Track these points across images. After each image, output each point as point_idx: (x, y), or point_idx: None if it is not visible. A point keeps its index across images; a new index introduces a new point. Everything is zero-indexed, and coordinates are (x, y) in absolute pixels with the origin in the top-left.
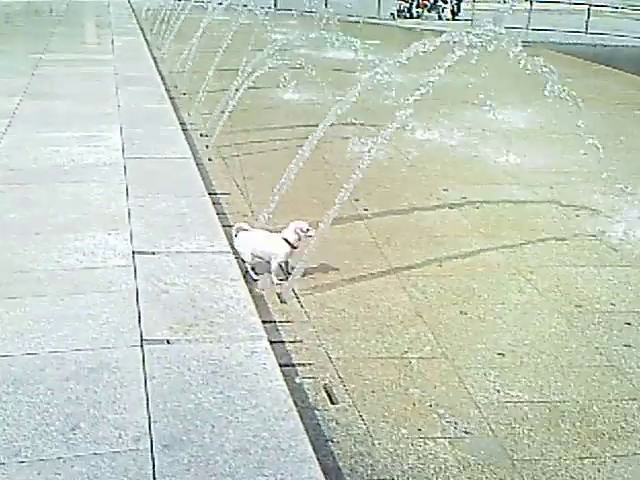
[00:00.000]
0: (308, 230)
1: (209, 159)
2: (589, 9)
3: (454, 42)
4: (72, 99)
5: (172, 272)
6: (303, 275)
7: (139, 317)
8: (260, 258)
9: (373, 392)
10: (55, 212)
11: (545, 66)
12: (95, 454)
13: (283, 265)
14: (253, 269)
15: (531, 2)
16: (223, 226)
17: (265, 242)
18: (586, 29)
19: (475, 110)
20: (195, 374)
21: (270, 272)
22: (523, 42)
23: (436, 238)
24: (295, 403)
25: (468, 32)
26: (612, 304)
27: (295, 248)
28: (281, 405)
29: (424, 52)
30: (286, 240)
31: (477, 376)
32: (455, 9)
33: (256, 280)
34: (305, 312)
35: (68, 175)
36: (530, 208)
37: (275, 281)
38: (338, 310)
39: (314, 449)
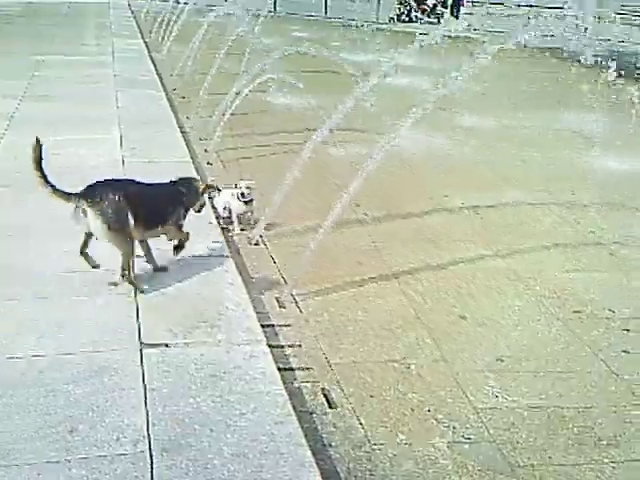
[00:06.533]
0: (249, 188)
1: (208, 163)
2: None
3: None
4: (71, 101)
5: (171, 276)
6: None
7: (138, 320)
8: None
9: (372, 396)
10: (54, 215)
11: (545, 70)
12: (94, 457)
13: (241, 216)
14: (223, 219)
15: (531, 6)
16: (222, 230)
17: (228, 198)
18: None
19: (477, 116)
20: (194, 378)
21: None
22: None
23: (436, 243)
24: (294, 407)
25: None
26: (611, 310)
27: (246, 203)
28: (280, 409)
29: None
30: (239, 196)
31: (476, 381)
32: (455, 13)
33: (225, 228)
34: (304, 316)
35: (67, 178)
36: (530, 214)
37: (237, 229)
38: (337, 314)
39: (313, 453)
